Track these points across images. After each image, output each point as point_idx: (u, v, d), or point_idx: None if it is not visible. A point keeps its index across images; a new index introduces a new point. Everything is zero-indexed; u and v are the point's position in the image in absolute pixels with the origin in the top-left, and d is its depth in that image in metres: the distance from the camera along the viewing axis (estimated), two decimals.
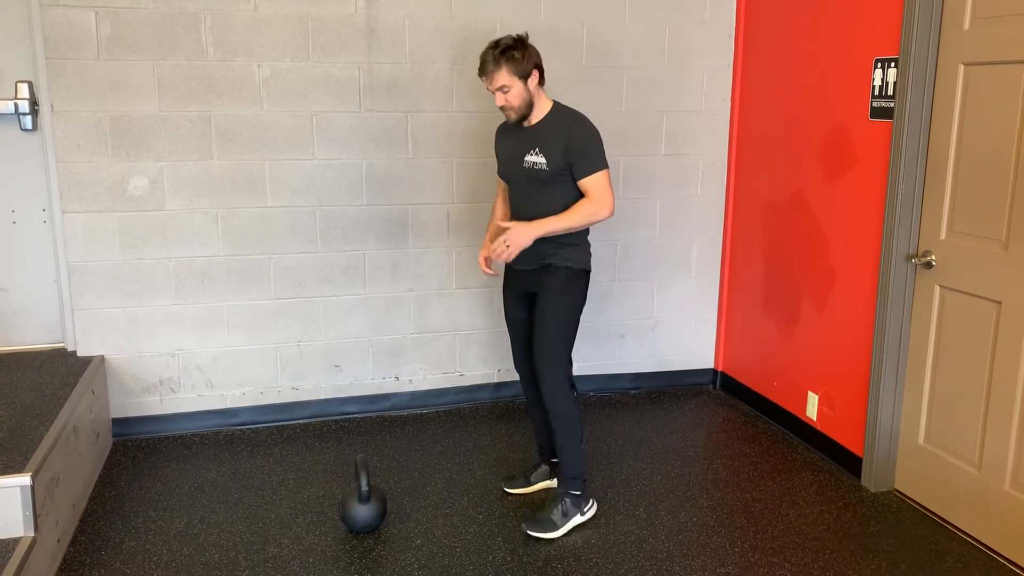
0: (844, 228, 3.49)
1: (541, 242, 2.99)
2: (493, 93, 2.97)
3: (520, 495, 3.34)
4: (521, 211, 3.07)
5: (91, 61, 3.50)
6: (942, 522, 3.14)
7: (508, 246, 2.92)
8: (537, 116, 3.00)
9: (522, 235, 2.92)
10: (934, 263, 3.11)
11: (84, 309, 3.69)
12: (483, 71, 2.95)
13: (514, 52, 2.89)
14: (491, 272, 3.23)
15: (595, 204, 2.92)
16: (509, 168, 3.09)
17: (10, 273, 3.72)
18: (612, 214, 2.95)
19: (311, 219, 3.86)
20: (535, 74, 2.93)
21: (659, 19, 4.11)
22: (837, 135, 3.49)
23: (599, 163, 2.92)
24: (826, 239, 3.60)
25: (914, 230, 3.18)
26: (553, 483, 3.38)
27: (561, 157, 2.92)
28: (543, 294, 3.03)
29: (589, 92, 4.09)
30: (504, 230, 3.18)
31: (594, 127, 2.96)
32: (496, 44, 2.93)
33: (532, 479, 3.38)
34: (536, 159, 2.96)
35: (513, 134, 3.09)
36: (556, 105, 3.02)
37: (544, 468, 3.39)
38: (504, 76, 2.90)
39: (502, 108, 2.98)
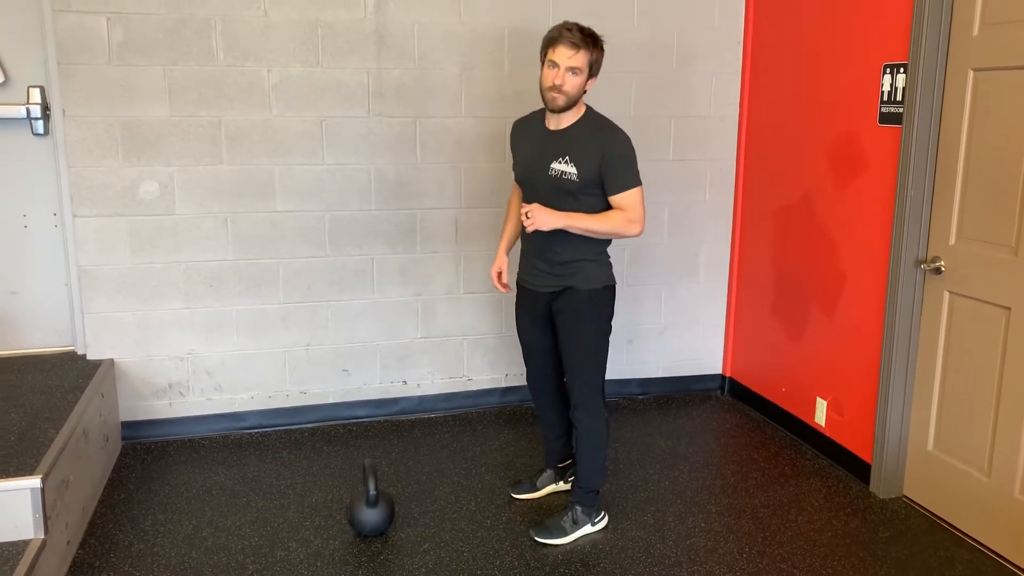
0: (853, 234, 3.48)
1: (558, 262, 2.90)
2: (552, 68, 2.75)
3: (527, 500, 3.34)
4: None
5: (103, 66, 3.52)
6: (951, 529, 3.12)
7: (528, 218, 2.77)
8: (568, 119, 2.85)
9: (544, 217, 2.76)
10: (943, 269, 3.10)
11: (94, 313, 3.71)
12: (563, 40, 2.72)
13: (601, 43, 2.79)
14: (506, 290, 3.18)
15: (628, 218, 2.79)
16: (531, 173, 2.92)
17: (21, 277, 3.74)
18: (641, 233, 2.84)
19: (320, 223, 3.88)
20: (595, 77, 2.84)
21: (668, 25, 4.11)
22: (846, 141, 3.49)
23: (634, 179, 2.80)
24: (835, 245, 3.60)
25: (923, 236, 3.17)
26: (559, 487, 3.38)
27: (594, 169, 2.78)
28: (568, 320, 2.92)
29: (597, 97, 4.08)
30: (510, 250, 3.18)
31: (629, 139, 2.82)
32: (580, 27, 2.76)
33: (538, 484, 3.37)
34: (565, 168, 2.81)
35: (536, 136, 2.93)
36: (589, 111, 2.89)
37: (550, 472, 3.38)
38: (583, 58, 2.74)
39: (552, 89, 2.75)
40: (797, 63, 3.81)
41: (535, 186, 2.92)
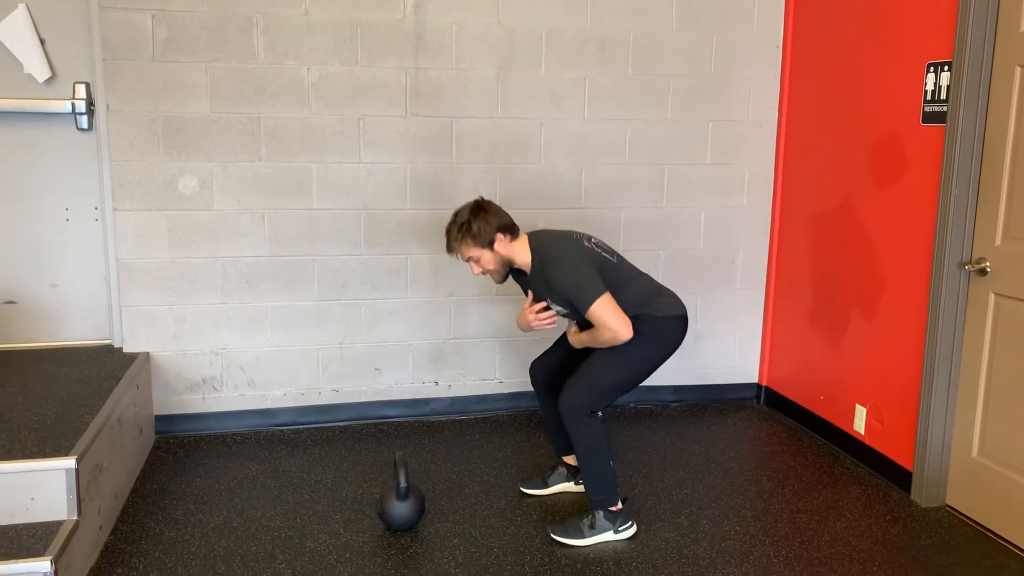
0: (895, 236, 3.42)
1: None
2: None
3: (536, 496, 3.32)
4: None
5: (147, 62, 3.58)
6: (998, 539, 3.02)
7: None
8: (526, 264, 3.00)
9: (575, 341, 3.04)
10: (988, 270, 3.03)
11: (131, 306, 3.75)
12: (448, 248, 2.98)
13: (471, 226, 2.90)
14: (547, 322, 3.12)
15: (607, 335, 2.83)
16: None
17: (62, 269, 3.80)
18: (624, 336, 2.80)
19: (356, 222, 3.89)
20: (499, 237, 2.92)
21: (706, 28, 4.09)
22: (888, 141, 3.44)
23: (590, 294, 2.82)
24: (876, 247, 3.53)
25: (968, 236, 3.10)
26: (570, 487, 3.35)
27: (566, 298, 2.90)
28: None
29: (635, 100, 4.08)
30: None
31: (567, 259, 2.89)
32: (455, 219, 2.95)
33: (549, 481, 3.35)
34: (556, 307, 3.00)
35: (526, 282, 3.11)
36: (534, 252, 2.97)
37: (562, 470, 3.35)
38: (468, 250, 2.93)
39: (482, 275, 3.06)
40: (837, 64, 3.77)
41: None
